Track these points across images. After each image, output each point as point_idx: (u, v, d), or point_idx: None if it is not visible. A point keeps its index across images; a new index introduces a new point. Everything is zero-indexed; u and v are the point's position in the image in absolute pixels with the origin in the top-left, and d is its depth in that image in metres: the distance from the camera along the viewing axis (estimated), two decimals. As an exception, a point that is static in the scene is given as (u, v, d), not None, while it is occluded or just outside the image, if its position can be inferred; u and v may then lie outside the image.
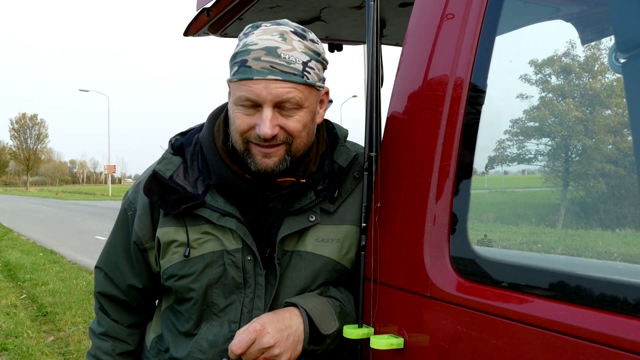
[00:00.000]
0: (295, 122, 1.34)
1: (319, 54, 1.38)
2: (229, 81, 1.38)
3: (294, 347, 1.31)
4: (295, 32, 1.35)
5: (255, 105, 1.33)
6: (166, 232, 1.43)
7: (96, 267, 1.66)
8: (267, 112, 1.31)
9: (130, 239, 1.53)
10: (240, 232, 1.39)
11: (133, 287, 1.57)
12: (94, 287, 1.66)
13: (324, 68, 1.42)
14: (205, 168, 1.44)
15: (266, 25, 1.36)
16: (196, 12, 2.17)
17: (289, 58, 1.31)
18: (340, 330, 1.34)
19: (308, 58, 1.34)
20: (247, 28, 1.39)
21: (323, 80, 1.42)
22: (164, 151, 1.53)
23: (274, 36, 1.32)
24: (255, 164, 1.37)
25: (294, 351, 1.31)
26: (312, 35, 1.39)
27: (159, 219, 1.45)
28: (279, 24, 1.36)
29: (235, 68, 1.34)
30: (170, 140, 1.53)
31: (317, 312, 1.34)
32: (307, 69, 1.33)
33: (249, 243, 1.39)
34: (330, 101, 1.49)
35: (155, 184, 1.43)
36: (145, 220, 1.49)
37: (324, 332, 1.34)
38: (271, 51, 1.30)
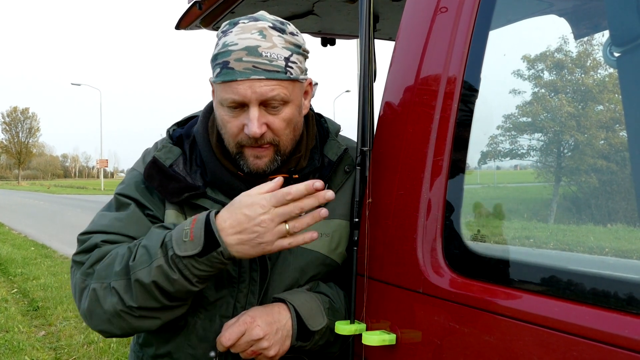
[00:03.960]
0: (281, 120, 1.34)
1: (299, 47, 1.36)
2: (212, 82, 1.37)
3: (282, 341, 1.31)
4: (274, 27, 1.33)
5: (242, 105, 1.32)
6: (170, 214, 1.40)
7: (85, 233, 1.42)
8: (254, 112, 1.30)
9: (144, 209, 1.43)
10: None
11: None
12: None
13: (306, 59, 1.41)
14: (202, 164, 1.43)
15: (244, 22, 1.33)
16: (188, 5, 2.15)
17: (270, 56, 1.29)
18: (329, 327, 1.34)
19: (289, 53, 1.32)
20: (224, 25, 1.36)
21: (305, 71, 1.40)
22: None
23: (253, 34, 1.30)
24: (248, 166, 1.37)
25: (282, 346, 1.31)
26: (291, 28, 1.37)
27: (165, 200, 1.42)
28: (257, 20, 1.33)
29: (218, 70, 1.32)
30: (168, 131, 1.52)
31: (305, 308, 1.34)
32: (289, 64, 1.32)
33: None
34: (316, 84, 1.47)
35: (155, 171, 1.41)
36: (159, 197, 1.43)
37: (312, 328, 1.33)
38: (252, 51, 1.28)
